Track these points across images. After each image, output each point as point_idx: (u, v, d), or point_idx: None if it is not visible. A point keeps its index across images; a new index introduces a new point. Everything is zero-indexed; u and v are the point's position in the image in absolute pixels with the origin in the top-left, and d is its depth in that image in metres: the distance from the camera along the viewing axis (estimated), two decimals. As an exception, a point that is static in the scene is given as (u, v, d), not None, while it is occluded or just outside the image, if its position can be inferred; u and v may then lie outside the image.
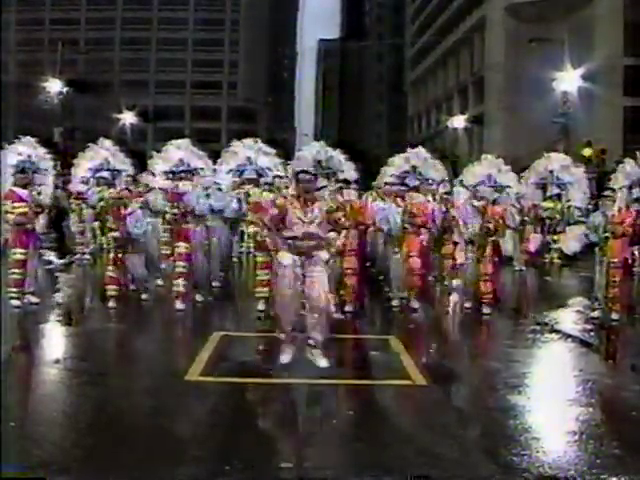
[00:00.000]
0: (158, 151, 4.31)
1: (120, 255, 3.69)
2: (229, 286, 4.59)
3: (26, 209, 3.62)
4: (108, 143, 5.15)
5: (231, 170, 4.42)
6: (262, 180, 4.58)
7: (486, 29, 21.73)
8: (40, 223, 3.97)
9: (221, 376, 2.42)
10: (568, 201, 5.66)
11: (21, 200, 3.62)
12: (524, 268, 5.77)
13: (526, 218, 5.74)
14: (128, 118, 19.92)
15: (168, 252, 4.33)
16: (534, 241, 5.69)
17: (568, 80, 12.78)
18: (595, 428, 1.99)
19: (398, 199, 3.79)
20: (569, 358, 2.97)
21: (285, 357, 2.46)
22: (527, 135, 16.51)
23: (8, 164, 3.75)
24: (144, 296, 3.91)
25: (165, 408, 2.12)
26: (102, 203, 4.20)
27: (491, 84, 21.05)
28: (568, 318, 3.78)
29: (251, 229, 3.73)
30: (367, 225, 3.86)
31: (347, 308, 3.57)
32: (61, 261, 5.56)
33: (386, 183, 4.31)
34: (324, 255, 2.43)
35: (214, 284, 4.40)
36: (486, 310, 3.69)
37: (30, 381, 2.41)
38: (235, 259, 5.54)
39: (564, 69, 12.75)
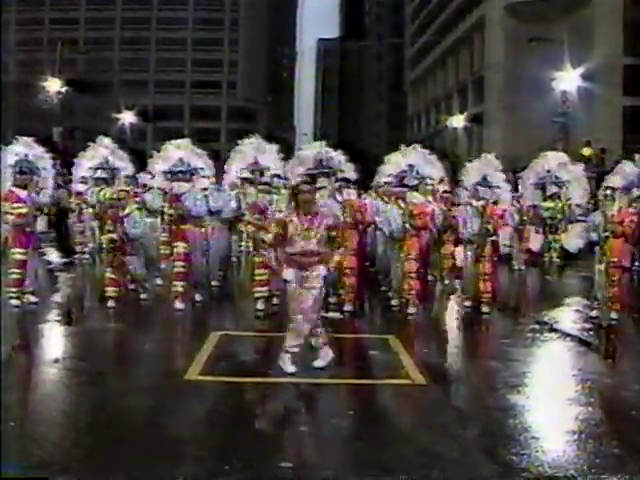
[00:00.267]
0: (158, 151, 4.30)
1: (119, 256, 3.70)
2: (228, 286, 4.59)
3: (25, 210, 3.63)
4: (107, 141, 5.13)
5: (240, 169, 4.37)
6: (261, 179, 4.57)
7: (486, 29, 21.71)
8: (40, 223, 3.96)
9: (220, 375, 2.42)
10: (568, 199, 5.65)
11: (20, 201, 3.62)
12: (523, 267, 5.78)
13: (525, 218, 5.73)
14: (127, 118, 19.96)
15: (167, 252, 4.34)
16: (535, 241, 5.69)
17: (568, 80, 12.80)
18: (594, 427, 1.99)
19: (399, 200, 3.78)
20: (568, 357, 2.96)
21: (292, 367, 2.43)
22: (527, 135, 16.48)
23: (7, 164, 3.74)
24: (143, 296, 3.91)
25: (164, 408, 2.12)
26: (101, 203, 4.18)
27: (491, 84, 21.05)
28: (567, 317, 3.78)
29: (249, 229, 3.71)
30: (367, 224, 3.86)
31: (346, 307, 3.58)
32: (60, 260, 5.56)
33: (385, 183, 4.31)
34: (322, 271, 2.44)
35: (213, 284, 4.40)
36: (485, 309, 3.69)
37: (30, 381, 2.41)
38: (234, 259, 5.54)
39: (564, 69, 12.77)
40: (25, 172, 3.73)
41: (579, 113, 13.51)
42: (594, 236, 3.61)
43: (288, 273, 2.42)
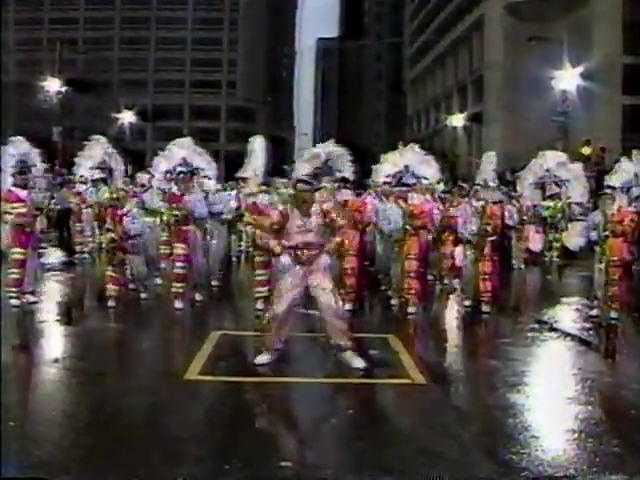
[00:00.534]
0: (158, 150, 4.30)
1: (120, 256, 3.69)
2: (228, 285, 4.59)
3: (25, 209, 3.62)
4: (103, 140, 5.12)
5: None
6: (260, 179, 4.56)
7: (485, 28, 21.68)
8: (40, 222, 3.95)
9: (220, 375, 2.42)
10: (568, 198, 5.65)
11: (20, 200, 3.62)
12: (523, 267, 5.77)
13: (525, 217, 5.73)
14: (127, 117, 19.93)
15: (167, 251, 4.33)
16: (535, 240, 5.68)
17: (567, 79, 12.74)
18: (594, 426, 1.98)
19: (400, 200, 3.78)
20: (568, 357, 2.96)
21: (264, 358, 2.48)
22: (526, 134, 16.48)
23: (7, 165, 3.73)
24: (143, 295, 3.90)
25: (164, 407, 2.12)
26: (100, 203, 4.17)
27: (490, 83, 21.02)
28: (567, 317, 3.78)
29: (249, 229, 3.69)
30: (366, 224, 3.86)
31: (346, 307, 3.54)
32: (60, 260, 5.54)
33: (384, 183, 4.31)
34: (325, 260, 2.45)
35: (213, 283, 4.40)
36: (485, 309, 3.69)
37: (29, 380, 2.41)
38: (234, 258, 5.54)
39: (563, 68, 12.71)
40: (24, 172, 3.73)
41: (579, 112, 13.48)
42: (594, 235, 3.60)
43: (286, 258, 2.43)
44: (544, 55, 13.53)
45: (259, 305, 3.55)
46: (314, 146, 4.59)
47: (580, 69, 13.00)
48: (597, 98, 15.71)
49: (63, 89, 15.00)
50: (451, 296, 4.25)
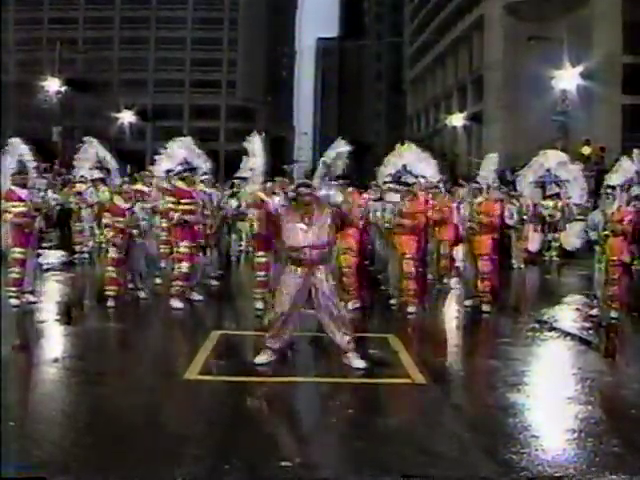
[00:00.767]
0: (158, 150, 4.30)
1: (121, 255, 3.67)
2: (227, 285, 4.59)
3: (24, 208, 3.62)
4: (96, 142, 5.15)
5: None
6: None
7: (485, 27, 21.70)
8: (39, 222, 3.95)
9: (220, 375, 2.42)
10: (568, 198, 5.64)
11: (20, 200, 3.61)
12: (523, 266, 5.76)
13: (525, 217, 5.73)
14: (127, 117, 19.92)
15: (167, 251, 4.33)
16: (534, 240, 5.68)
17: (567, 78, 12.74)
18: (594, 426, 1.98)
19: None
20: (568, 356, 2.96)
21: (264, 358, 2.49)
22: (526, 133, 16.48)
23: (6, 165, 3.74)
24: (142, 295, 3.90)
25: (164, 407, 2.12)
26: (100, 203, 4.17)
27: (490, 82, 21.04)
28: (567, 316, 3.77)
29: (255, 225, 3.63)
30: (365, 224, 3.87)
31: (349, 306, 3.55)
32: (60, 260, 5.54)
33: (385, 182, 4.31)
34: (326, 269, 2.48)
35: (213, 283, 4.40)
36: (485, 308, 3.68)
37: (29, 380, 2.40)
38: (233, 258, 5.54)
39: (563, 67, 12.71)
40: (23, 171, 3.73)
41: (578, 112, 13.47)
42: (594, 235, 3.60)
43: (292, 268, 2.42)
44: (544, 55, 13.52)
45: (259, 305, 3.55)
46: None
47: (580, 69, 12.99)
48: (597, 98, 15.74)
49: (63, 89, 15.00)
50: (451, 296, 4.24)
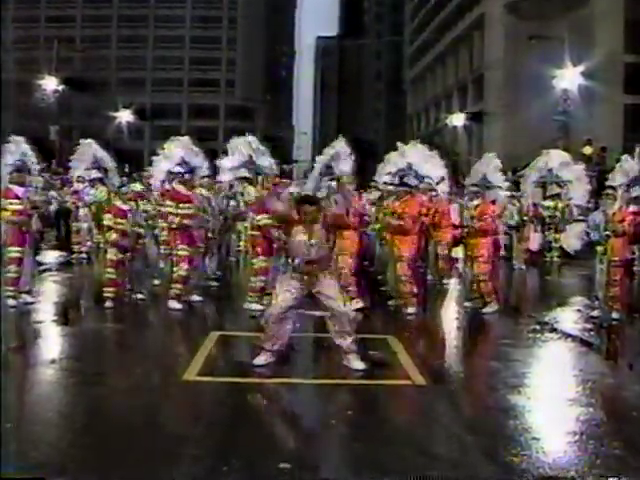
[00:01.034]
0: (156, 150, 4.27)
1: (120, 256, 3.65)
2: (226, 286, 4.57)
3: (21, 207, 3.60)
4: (92, 142, 5.13)
5: (232, 168, 4.35)
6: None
7: (485, 26, 21.67)
8: (36, 221, 3.94)
9: (218, 376, 2.41)
10: (569, 199, 5.62)
11: (17, 198, 3.60)
12: (524, 267, 5.75)
13: (525, 217, 5.71)
14: (125, 116, 19.83)
15: (166, 252, 4.31)
16: (535, 240, 5.67)
17: (568, 78, 12.73)
18: (595, 428, 1.97)
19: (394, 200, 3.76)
20: (569, 358, 2.95)
21: (262, 359, 2.48)
22: (527, 133, 16.42)
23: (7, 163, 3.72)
24: (141, 296, 3.89)
25: (162, 408, 2.10)
26: (98, 202, 4.15)
27: (490, 82, 21.02)
28: (568, 317, 3.76)
29: (262, 222, 3.55)
30: (365, 224, 3.85)
31: (353, 306, 3.56)
32: (57, 260, 5.52)
33: (384, 183, 4.28)
34: (330, 275, 2.46)
35: (211, 284, 4.39)
36: (484, 310, 3.68)
37: (26, 381, 2.38)
38: (232, 259, 5.52)
39: (564, 66, 12.70)
40: (21, 169, 3.70)
41: (580, 111, 13.45)
42: (595, 235, 3.59)
43: (292, 279, 2.43)
44: (545, 54, 13.47)
45: (254, 307, 3.53)
46: (313, 145, 4.56)
47: (581, 68, 12.96)
48: (598, 97, 15.67)
49: (60, 88, 14.92)
50: (450, 297, 4.23)
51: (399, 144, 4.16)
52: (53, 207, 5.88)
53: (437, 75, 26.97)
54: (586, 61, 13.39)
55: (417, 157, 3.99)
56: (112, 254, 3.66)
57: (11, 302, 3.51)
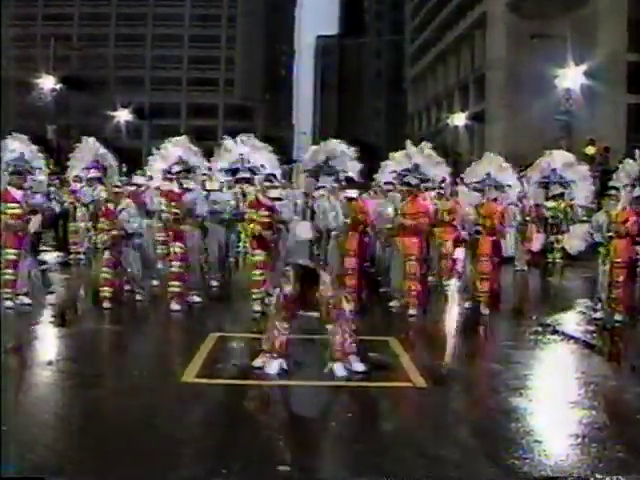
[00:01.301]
0: (154, 149, 4.24)
1: (115, 255, 3.64)
2: (226, 286, 4.55)
3: (19, 210, 3.59)
4: (93, 141, 5.09)
5: (223, 169, 4.33)
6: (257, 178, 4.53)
7: (487, 25, 21.57)
8: (34, 223, 3.92)
9: (217, 377, 2.40)
10: (571, 200, 5.60)
11: (15, 201, 3.58)
12: (526, 268, 5.73)
13: (528, 218, 5.67)
14: (123, 115, 19.78)
15: (164, 252, 4.31)
16: (537, 241, 5.64)
17: (570, 77, 12.62)
18: (598, 431, 1.96)
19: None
20: (572, 360, 2.94)
21: (261, 361, 2.46)
22: (529, 133, 16.38)
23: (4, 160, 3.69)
24: (139, 297, 3.87)
25: (161, 410, 2.09)
26: (96, 201, 4.14)
27: (492, 81, 20.94)
28: (571, 319, 3.75)
29: (257, 227, 3.58)
30: (366, 224, 3.82)
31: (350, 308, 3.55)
32: (55, 260, 5.51)
33: (386, 182, 4.25)
34: (326, 276, 2.44)
35: (211, 284, 4.37)
36: (485, 310, 3.66)
37: (23, 383, 2.37)
38: (232, 259, 5.50)
39: (566, 66, 12.57)
40: (20, 172, 3.68)
41: (582, 111, 13.34)
42: (598, 236, 3.57)
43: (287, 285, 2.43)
44: (547, 53, 13.37)
45: (257, 307, 3.52)
46: (313, 145, 4.55)
47: (584, 67, 12.84)
48: (601, 97, 15.59)
49: (58, 86, 14.80)
50: (451, 298, 4.21)
51: (408, 142, 4.13)
52: (57, 209, 5.84)
53: (438, 74, 26.83)
54: (589, 60, 13.29)
55: (424, 159, 3.94)
56: (107, 254, 3.64)
57: (8, 304, 3.49)
